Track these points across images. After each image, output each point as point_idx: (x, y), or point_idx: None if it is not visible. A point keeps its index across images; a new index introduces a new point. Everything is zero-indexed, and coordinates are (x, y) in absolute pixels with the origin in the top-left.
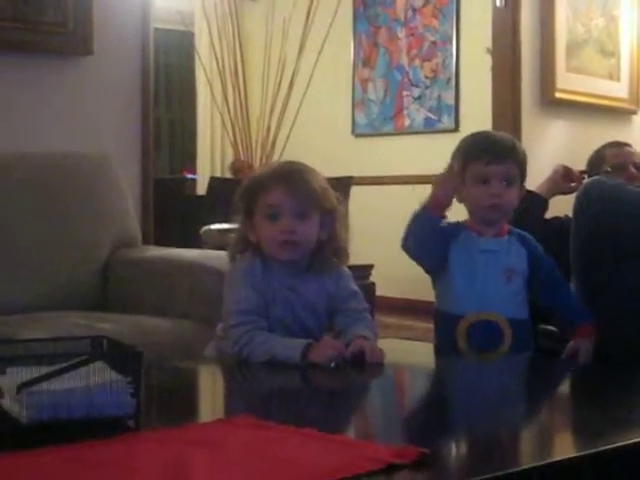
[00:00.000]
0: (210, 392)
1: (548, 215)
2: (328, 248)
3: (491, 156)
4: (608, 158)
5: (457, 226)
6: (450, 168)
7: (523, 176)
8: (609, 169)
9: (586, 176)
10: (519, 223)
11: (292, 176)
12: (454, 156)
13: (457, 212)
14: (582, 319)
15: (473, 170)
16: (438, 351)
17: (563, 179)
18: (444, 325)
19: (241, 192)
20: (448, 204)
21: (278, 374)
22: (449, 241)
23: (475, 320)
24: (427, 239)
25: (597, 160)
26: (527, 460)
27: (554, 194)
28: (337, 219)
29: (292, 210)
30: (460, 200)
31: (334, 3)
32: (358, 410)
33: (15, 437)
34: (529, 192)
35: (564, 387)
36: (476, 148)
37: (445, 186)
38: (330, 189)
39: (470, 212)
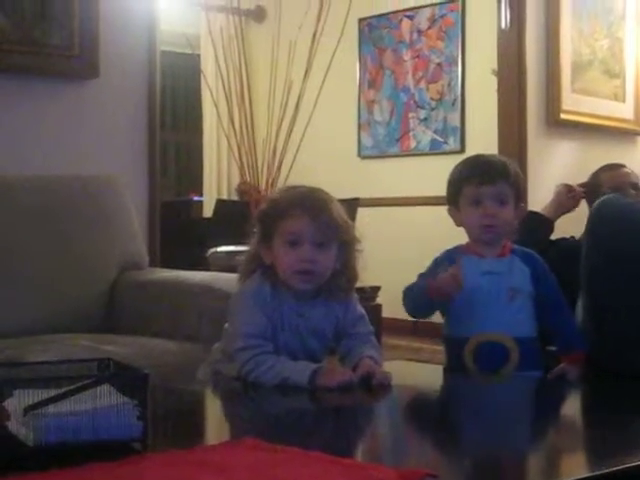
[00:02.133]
0: (216, 414)
1: (555, 236)
2: (341, 277)
3: (482, 177)
4: (605, 182)
5: (456, 253)
6: (457, 268)
7: (519, 196)
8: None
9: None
10: (525, 245)
11: (316, 205)
12: (449, 181)
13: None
14: (576, 345)
15: (466, 193)
16: (445, 373)
17: (567, 198)
18: (452, 349)
19: (260, 214)
20: (448, 298)
21: (284, 396)
22: None
23: (481, 341)
24: (426, 306)
25: (594, 185)
26: None
27: (560, 214)
28: (353, 252)
29: (313, 239)
30: (458, 224)
31: (340, 25)
32: (365, 432)
33: (22, 460)
34: (534, 213)
35: (571, 407)
36: (467, 171)
37: (451, 288)
38: (349, 221)
39: (469, 235)
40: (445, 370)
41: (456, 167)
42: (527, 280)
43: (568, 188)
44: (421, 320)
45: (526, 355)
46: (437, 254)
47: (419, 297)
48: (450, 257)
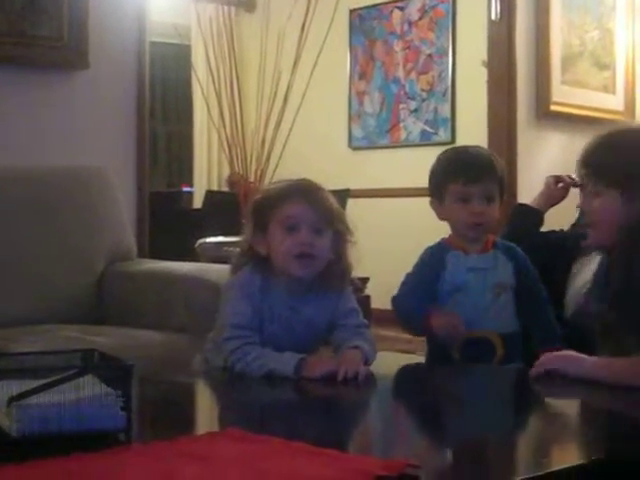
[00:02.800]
0: (202, 405)
1: (545, 228)
2: (335, 269)
3: (468, 176)
4: None
5: (440, 248)
6: (456, 318)
7: (502, 191)
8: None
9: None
10: (514, 237)
11: (312, 190)
12: (432, 174)
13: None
14: (554, 340)
15: (452, 191)
16: (431, 364)
17: (556, 189)
18: (437, 346)
19: (254, 205)
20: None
21: (269, 387)
22: (438, 273)
23: (467, 338)
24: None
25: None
26: (519, 472)
27: (550, 206)
28: (347, 242)
29: (311, 223)
30: (441, 218)
31: (330, 16)
32: (348, 423)
33: (5, 450)
34: (522, 205)
35: (555, 399)
36: (453, 169)
37: (449, 332)
38: (343, 211)
39: (453, 230)
40: (430, 361)
41: (440, 160)
42: (510, 274)
43: (557, 179)
44: None
45: (510, 350)
46: (426, 246)
47: (417, 325)
48: (436, 255)
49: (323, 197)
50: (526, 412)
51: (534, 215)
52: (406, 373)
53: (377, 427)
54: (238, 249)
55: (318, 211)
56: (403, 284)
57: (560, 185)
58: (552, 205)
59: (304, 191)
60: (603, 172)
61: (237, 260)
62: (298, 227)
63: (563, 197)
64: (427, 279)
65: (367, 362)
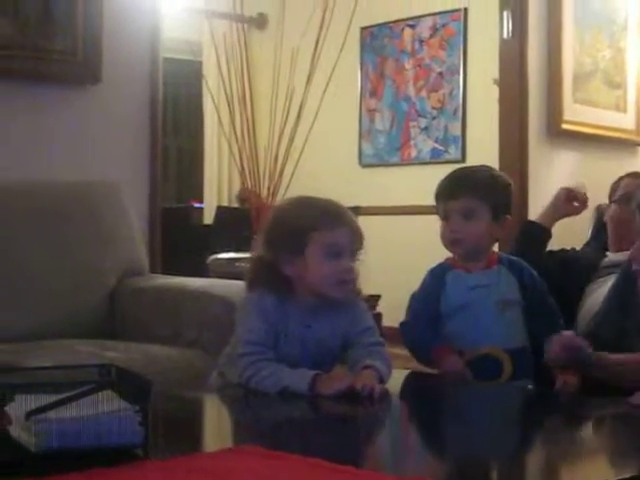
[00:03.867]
0: (218, 421)
1: (556, 247)
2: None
3: (448, 193)
4: (621, 187)
5: (441, 269)
6: (460, 365)
7: (498, 209)
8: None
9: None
10: (520, 254)
11: (348, 214)
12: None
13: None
14: None
15: (438, 208)
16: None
17: (565, 202)
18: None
19: (289, 228)
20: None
21: (284, 403)
22: (438, 293)
23: (473, 356)
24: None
25: (612, 189)
26: None
27: (556, 219)
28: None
29: (351, 249)
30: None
31: (342, 34)
32: (365, 440)
33: (23, 465)
34: (529, 223)
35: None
36: (438, 188)
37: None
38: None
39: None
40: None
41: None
42: (515, 290)
43: (568, 193)
44: None
45: (518, 365)
46: (435, 263)
47: (423, 358)
48: (437, 276)
49: (355, 220)
50: (540, 433)
51: (540, 232)
52: (420, 390)
53: (394, 445)
54: (250, 265)
55: (355, 236)
56: (409, 309)
57: (575, 204)
58: (558, 219)
59: (343, 216)
60: None
61: (252, 277)
62: (340, 254)
63: (572, 212)
64: (431, 302)
65: (382, 381)
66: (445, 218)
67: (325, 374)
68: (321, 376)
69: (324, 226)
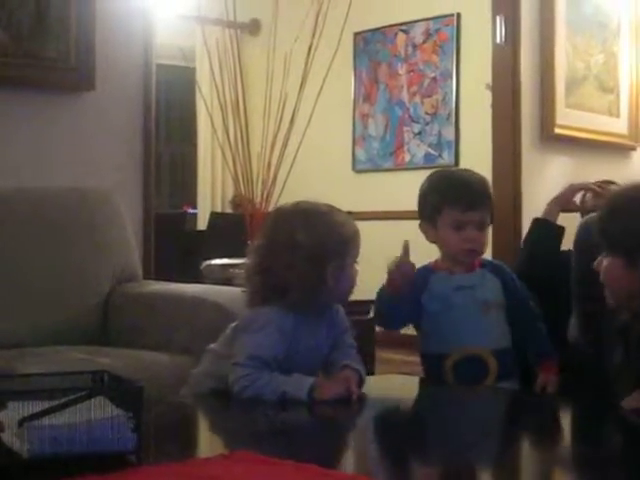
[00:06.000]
0: (211, 427)
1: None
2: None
3: (467, 203)
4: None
5: (424, 272)
6: (405, 249)
7: (492, 216)
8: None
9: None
10: (534, 257)
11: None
12: (425, 196)
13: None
14: (548, 354)
15: (449, 216)
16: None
17: (570, 191)
18: (431, 367)
19: (326, 250)
20: (406, 285)
21: (277, 409)
22: (421, 291)
23: (459, 357)
24: (395, 314)
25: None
26: None
27: (559, 209)
28: None
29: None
30: (431, 241)
31: (335, 39)
32: (356, 445)
33: (16, 471)
34: (539, 220)
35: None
36: (452, 194)
37: (401, 270)
38: None
39: (443, 253)
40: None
41: (433, 183)
42: (499, 291)
43: (579, 188)
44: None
45: (503, 366)
46: None
47: (386, 305)
48: (422, 277)
49: None
50: (526, 437)
51: (551, 229)
52: (415, 396)
53: (386, 450)
54: (256, 277)
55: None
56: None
57: (577, 187)
58: (562, 207)
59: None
60: (606, 237)
61: (260, 292)
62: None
63: (575, 205)
64: (408, 299)
65: (362, 381)
66: (458, 228)
67: (322, 379)
68: (318, 382)
69: (353, 248)
